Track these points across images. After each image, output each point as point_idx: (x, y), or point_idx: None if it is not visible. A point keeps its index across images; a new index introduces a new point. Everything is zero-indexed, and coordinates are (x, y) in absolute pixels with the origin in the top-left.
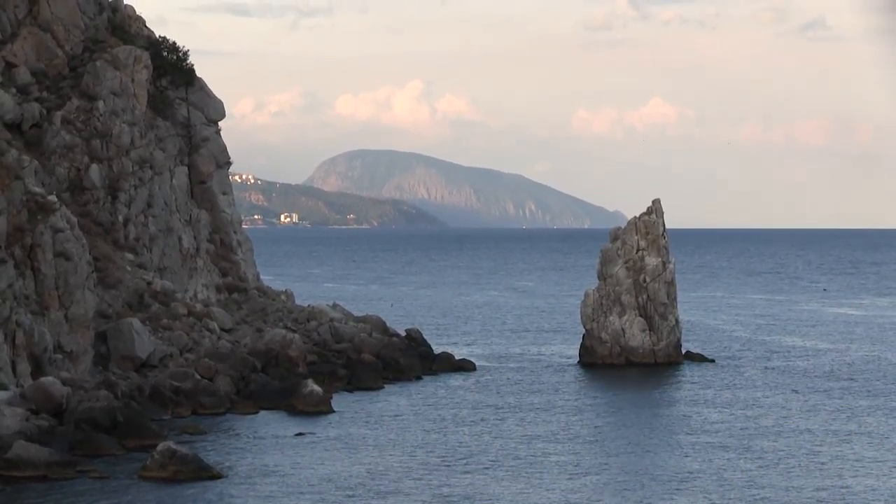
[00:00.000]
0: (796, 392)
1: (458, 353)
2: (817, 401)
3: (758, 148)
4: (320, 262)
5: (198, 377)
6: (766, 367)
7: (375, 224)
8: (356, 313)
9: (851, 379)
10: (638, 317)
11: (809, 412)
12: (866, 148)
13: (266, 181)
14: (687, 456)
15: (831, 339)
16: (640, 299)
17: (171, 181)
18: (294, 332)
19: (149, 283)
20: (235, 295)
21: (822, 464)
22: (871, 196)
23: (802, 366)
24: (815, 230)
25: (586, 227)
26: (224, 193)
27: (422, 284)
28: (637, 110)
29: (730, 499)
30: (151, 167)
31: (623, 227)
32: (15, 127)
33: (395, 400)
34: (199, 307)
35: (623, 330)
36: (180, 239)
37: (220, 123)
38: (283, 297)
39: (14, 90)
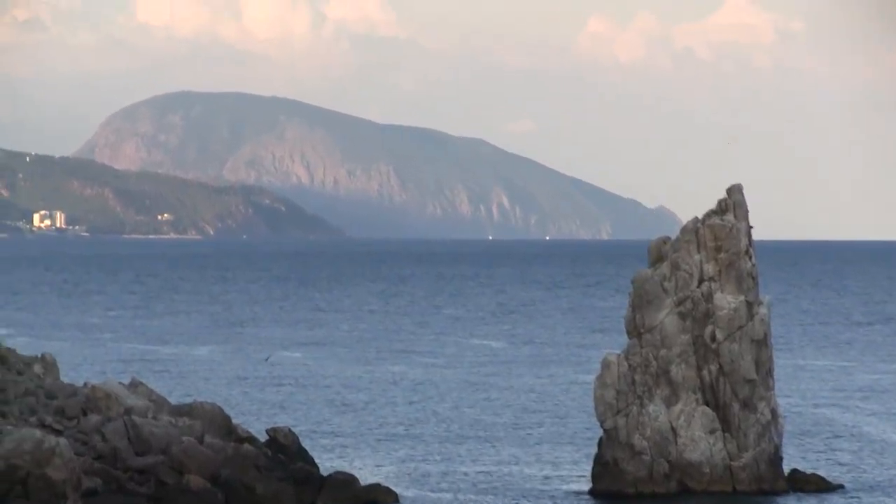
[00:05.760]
0: None
1: (364, 472)
2: None
3: None
4: (106, 301)
5: None
6: None
7: (211, 232)
8: (173, 399)
9: None
10: (701, 406)
11: None
12: None
13: (6, 151)
14: None
15: None
16: (705, 373)
17: None
18: (59, 432)
19: None
20: None
21: None
22: None
23: None
24: None
25: (606, 237)
26: None
27: (296, 343)
28: (701, 20)
29: None
30: None
31: (674, 237)
32: None
33: None
34: None
35: (674, 430)
36: None
37: None
38: (37, 367)
39: None
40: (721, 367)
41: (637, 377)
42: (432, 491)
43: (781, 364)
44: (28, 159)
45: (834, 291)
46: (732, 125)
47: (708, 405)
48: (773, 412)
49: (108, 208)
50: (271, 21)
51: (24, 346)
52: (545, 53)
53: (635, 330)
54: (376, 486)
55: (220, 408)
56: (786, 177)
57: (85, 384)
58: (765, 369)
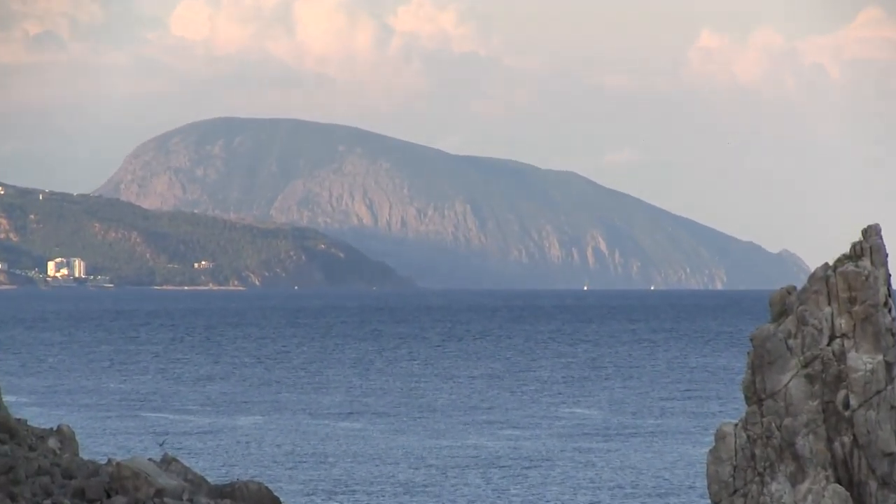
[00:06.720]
0: None
1: None
2: None
3: None
4: (132, 364)
5: None
6: None
7: (256, 282)
8: (212, 478)
9: None
10: (832, 483)
11: None
12: None
13: (16, 188)
14: None
15: None
16: (837, 445)
17: None
18: None
19: None
20: None
21: None
22: None
23: None
24: None
25: (720, 287)
26: None
27: (354, 412)
28: (831, 33)
29: None
30: None
31: (801, 286)
32: None
33: None
34: None
35: None
36: None
37: None
38: (52, 441)
39: None
40: (856, 438)
41: (757, 451)
42: None
43: None
44: (41, 198)
45: None
46: (869, 156)
47: (840, 483)
48: None
49: (135, 255)
50: (329, 36)
51: (37, 416)
52: (648, 72)
53: (755, 395)
54: None
55: (266, 488)
56: None
57: (108, 461)
58: None
